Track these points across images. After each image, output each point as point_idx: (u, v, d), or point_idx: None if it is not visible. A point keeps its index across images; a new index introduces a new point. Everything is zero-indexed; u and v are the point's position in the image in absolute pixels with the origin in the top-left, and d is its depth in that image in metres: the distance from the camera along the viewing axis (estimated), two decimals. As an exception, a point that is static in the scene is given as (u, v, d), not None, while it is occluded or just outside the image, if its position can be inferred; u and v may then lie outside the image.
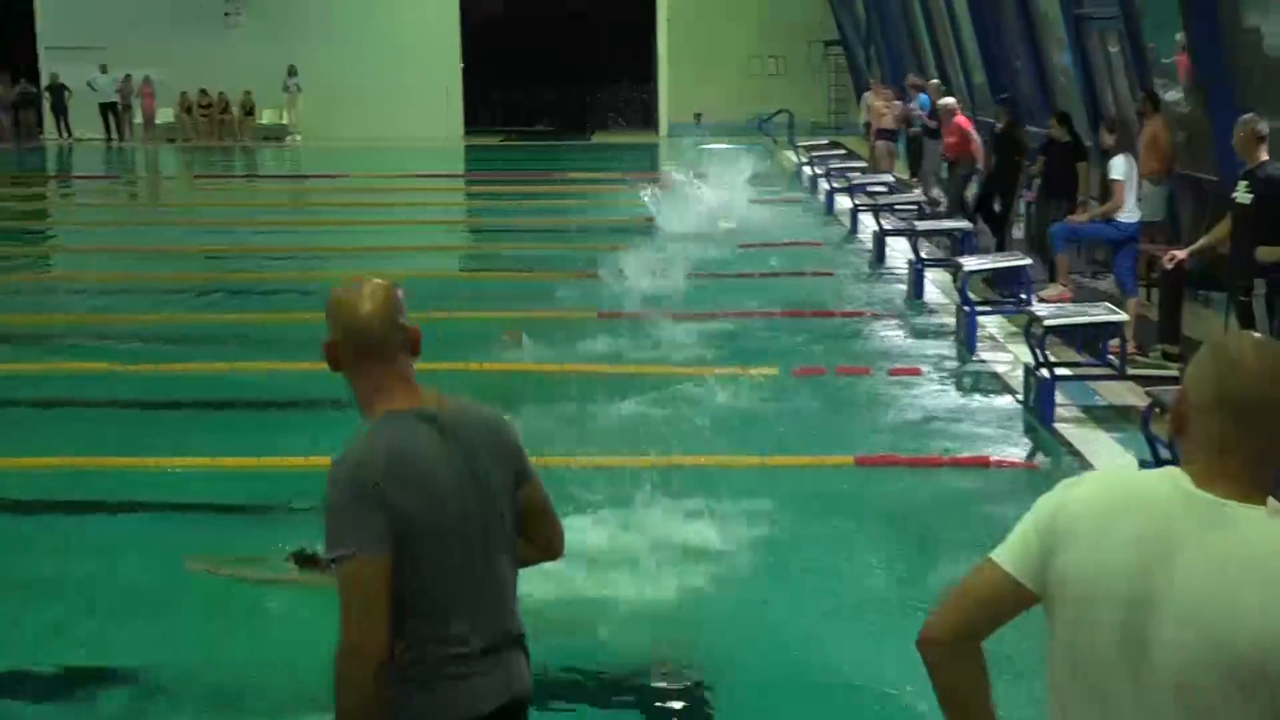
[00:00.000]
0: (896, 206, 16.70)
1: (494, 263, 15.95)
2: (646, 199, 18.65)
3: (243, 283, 14.78)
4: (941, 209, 17.07)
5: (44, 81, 36.45)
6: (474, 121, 37.52)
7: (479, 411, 3.29)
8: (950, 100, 17.69)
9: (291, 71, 35.52)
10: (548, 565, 3.51)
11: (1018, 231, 15.82)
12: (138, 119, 36.28)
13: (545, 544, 3.41)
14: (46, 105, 36.56)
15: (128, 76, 35.70)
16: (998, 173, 15.68)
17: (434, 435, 3.13)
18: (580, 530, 6.65)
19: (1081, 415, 8.96)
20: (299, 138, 35.91)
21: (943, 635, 2.49)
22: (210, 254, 16.93)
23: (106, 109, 35.96)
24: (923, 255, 13.79)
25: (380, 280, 3.22)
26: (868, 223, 16.52)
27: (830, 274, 14.60)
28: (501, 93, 39.47)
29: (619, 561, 6.53)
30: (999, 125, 16.13)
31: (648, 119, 37.07)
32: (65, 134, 36.15)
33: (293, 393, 9.75)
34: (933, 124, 18.54)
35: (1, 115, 36.07)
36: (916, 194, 18.33)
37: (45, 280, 15.84)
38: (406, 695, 3.06)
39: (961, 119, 17.08)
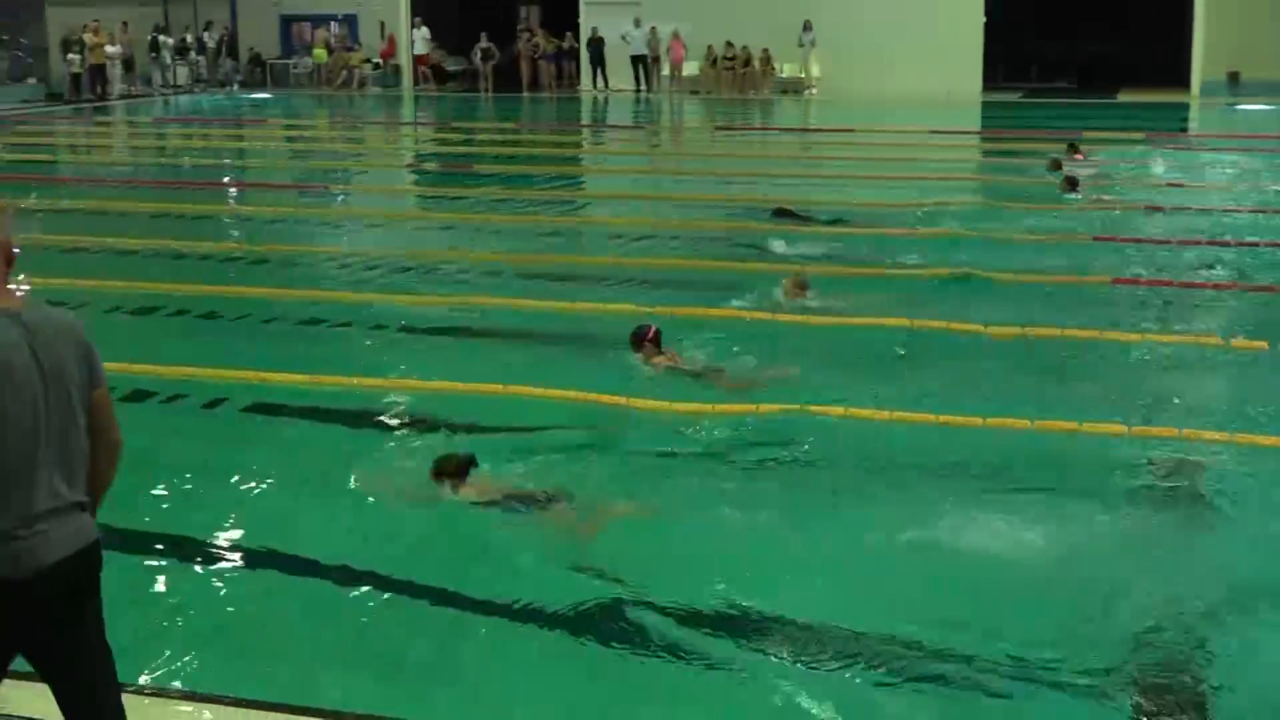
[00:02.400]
0: None
1: (992, 223, 15.54)
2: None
3: (742, 234, 15.02)
4: None
5: (583, 35, 38.65)
6: (993, 77, 36.60)
7: (61, 316, 3.83)
8: None
9: (807, 26, 35.89)
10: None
11: None
12: (665, 71, 37.80)
13: (112, 439, 3.92)
14: (584, 57, 38.73)
15: (653, 29, 37.23)
16: None
17: (16, 331, 3.65)
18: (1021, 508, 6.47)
19: None
20: (814, 91, 36.31)
21: None
22: (715, 204, 17.33)
23: (637, 61, 37.68)
24: None
25: None
26: None
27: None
28: (1024, 47, 38.28)
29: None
30: None
31: (1178, 77, 34.90)
32: (603, 85, 38.17)
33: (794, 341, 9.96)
34: None
35: (547, 66, 38.60)
36: None
37: (575, 223, 16.77)
38: None
39: None
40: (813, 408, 8.14)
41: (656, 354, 8.92)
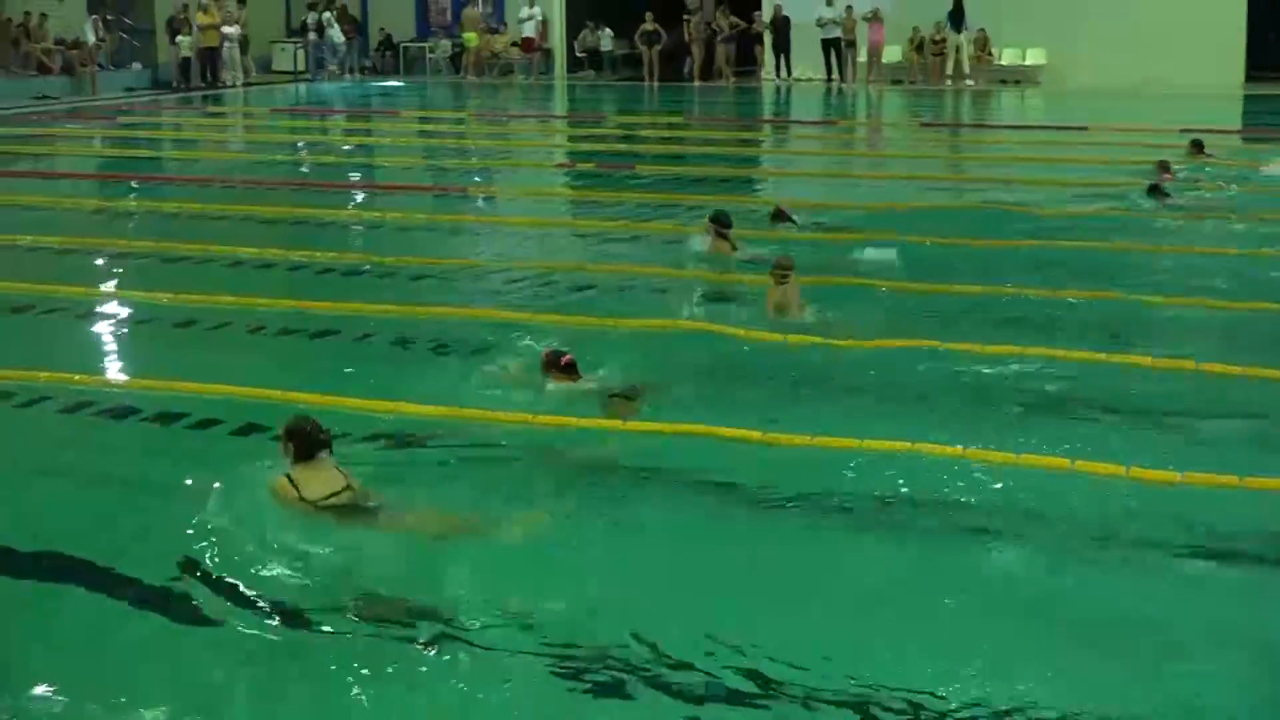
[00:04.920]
0: None
1: (1239, 240, 15.25)
2: None
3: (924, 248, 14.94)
4: None
5: (765, 15, 38.70)
6: (1260, 65, 35.77)
7: None
8: None
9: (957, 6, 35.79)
10: None
11: None
12: (861, 57, 37.62)
13: None
14: (767, 40, 38.80)
15: (849, 8, 37.08)
16: None
17: None
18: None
19: None
20: (969, 82, 36.17)
21: None
22: (916, 215, 17.21)
23: (828, 45, 37.55)
24: None
25: None
26: None
27: None
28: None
29: None
30: None
31: None
32: (785, 73, 38.22)
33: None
34: None
35: (725, 50, 38.66)
36: None
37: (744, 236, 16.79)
38: None
39: None
40: (972, 452, 8.13)
41: (564, 379, 9.42)
